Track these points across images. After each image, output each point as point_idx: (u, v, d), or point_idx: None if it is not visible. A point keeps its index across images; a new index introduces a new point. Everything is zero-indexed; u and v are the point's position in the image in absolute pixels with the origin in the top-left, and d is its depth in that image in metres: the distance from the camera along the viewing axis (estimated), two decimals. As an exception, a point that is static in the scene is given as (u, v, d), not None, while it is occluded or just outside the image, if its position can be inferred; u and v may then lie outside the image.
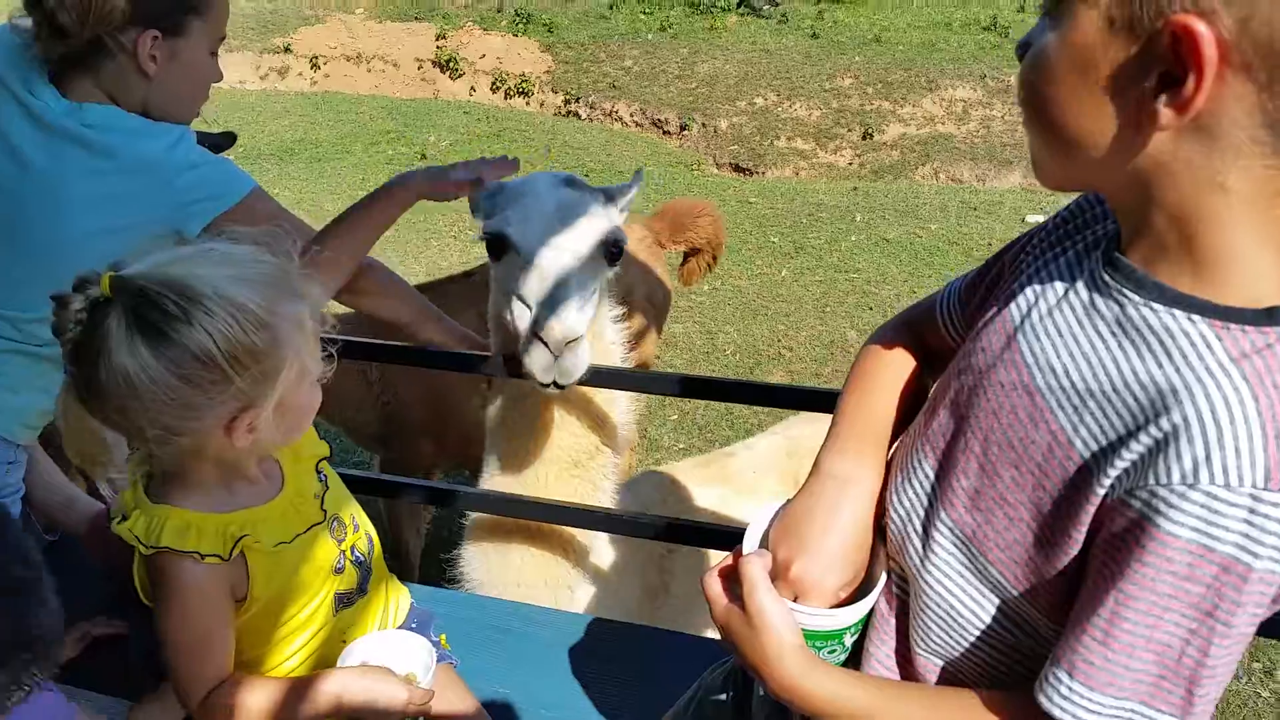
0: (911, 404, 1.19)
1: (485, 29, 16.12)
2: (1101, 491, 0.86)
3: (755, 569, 1.04)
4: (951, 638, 1.03)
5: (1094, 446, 0.87)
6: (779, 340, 6.58)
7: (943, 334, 1.23)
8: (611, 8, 16.79)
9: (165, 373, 1.22)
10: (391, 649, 1.51)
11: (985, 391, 0.98)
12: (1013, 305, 1.00)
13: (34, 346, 1.90)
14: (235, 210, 1.89)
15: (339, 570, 1.50)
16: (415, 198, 1.89)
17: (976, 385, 0.99)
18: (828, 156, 12.35)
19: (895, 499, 1.09)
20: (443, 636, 1.72)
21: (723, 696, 1.38)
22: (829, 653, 1.07)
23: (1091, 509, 0.87)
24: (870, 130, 12.46)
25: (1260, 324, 0.82)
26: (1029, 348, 0.95)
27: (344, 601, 1.53)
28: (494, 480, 2.23)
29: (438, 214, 9.25)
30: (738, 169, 12.26)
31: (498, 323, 2.10)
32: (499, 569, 2.25)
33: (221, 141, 2.53)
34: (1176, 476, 0.80)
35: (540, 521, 2.19)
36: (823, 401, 2.22)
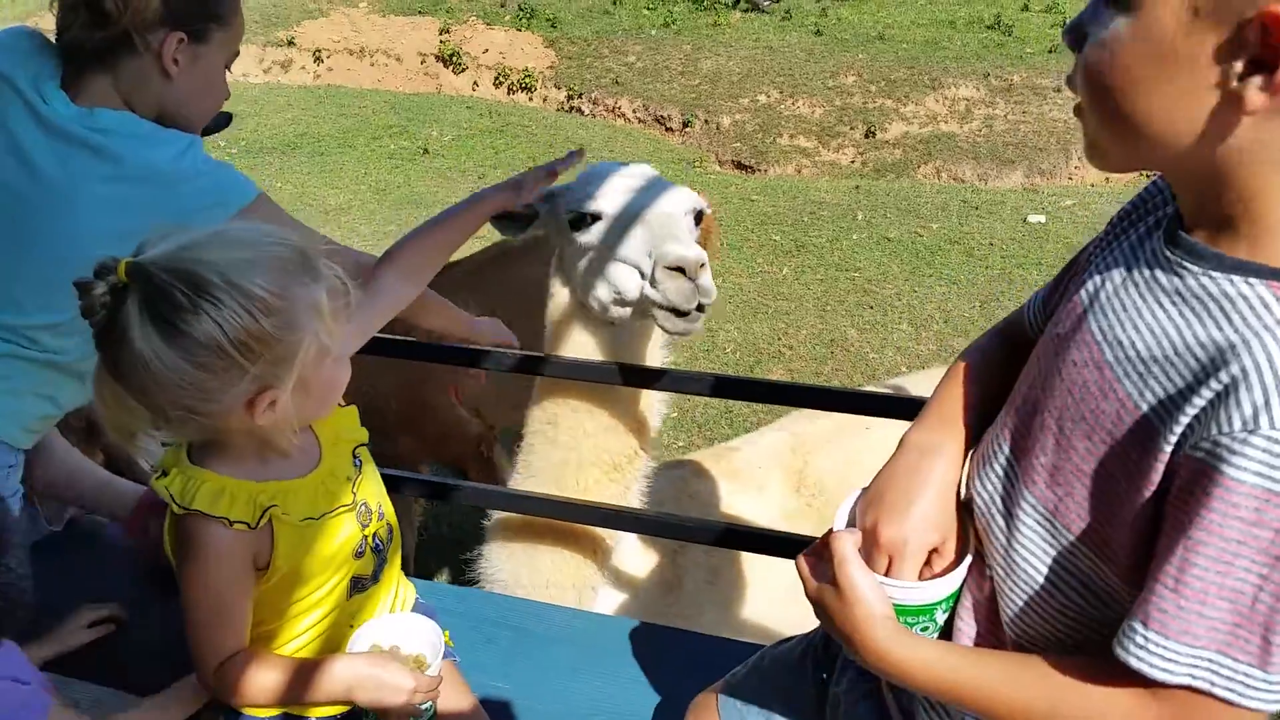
0: (999, 397, 1.23)
1: (489, 24, 16.10)
2: (1169, 448, 0.89)
3: (846, 544, 1.09)
4: (1038, 614, 1.06)
5: (1159, 408, 0.91)
6: (779, 338, 6.58)
7: (1031, 337, 1.28)
8: (615, 3, 16.78)
9: (178, 360, 1.25)
10: (402, 630, 1.54)
11: (1059, 372, 1.02)
12: (1082, 291, 1.04)
13: (36, 351, 1.92)
14: (239, 216, 1.91)
15: (359, 554, 1.53)
16: (494, 210, 1.92)
17: (1050, 368, 1.04)
18: (830, 154, 12.35)
19: (979, 483, 1.13)
20: (445, 633, 1.73)
21: (811, 674, 1.43)
22: (921, 629, 1.11)
23: (1161, 466, 0.90)
24: (873, 128, 12.44)
25: None
26: (1097, 325, 0.99)
27: (358, 586, 1.56)
28: (529, 483, 2.22)
29: (438, 209, 9.25)
30: (740, 166, 12.25)
31: (588, 304, 2.11)
32: (527, 570, 2.25)
33: (219, 121, 2.53)
34: (1238, 424, 0.83)
35: (566, 521, 2.19)
36: (830, 400, 2.23)
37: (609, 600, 2.30)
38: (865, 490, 1.19)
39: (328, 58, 15.67)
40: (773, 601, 2.41)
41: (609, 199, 2.04)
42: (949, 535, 1.15)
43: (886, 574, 1.12)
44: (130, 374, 1.28)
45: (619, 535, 2.27)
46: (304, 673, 1.44)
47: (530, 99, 14.81)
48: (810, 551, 1.16)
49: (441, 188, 9.92)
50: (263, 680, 1.43)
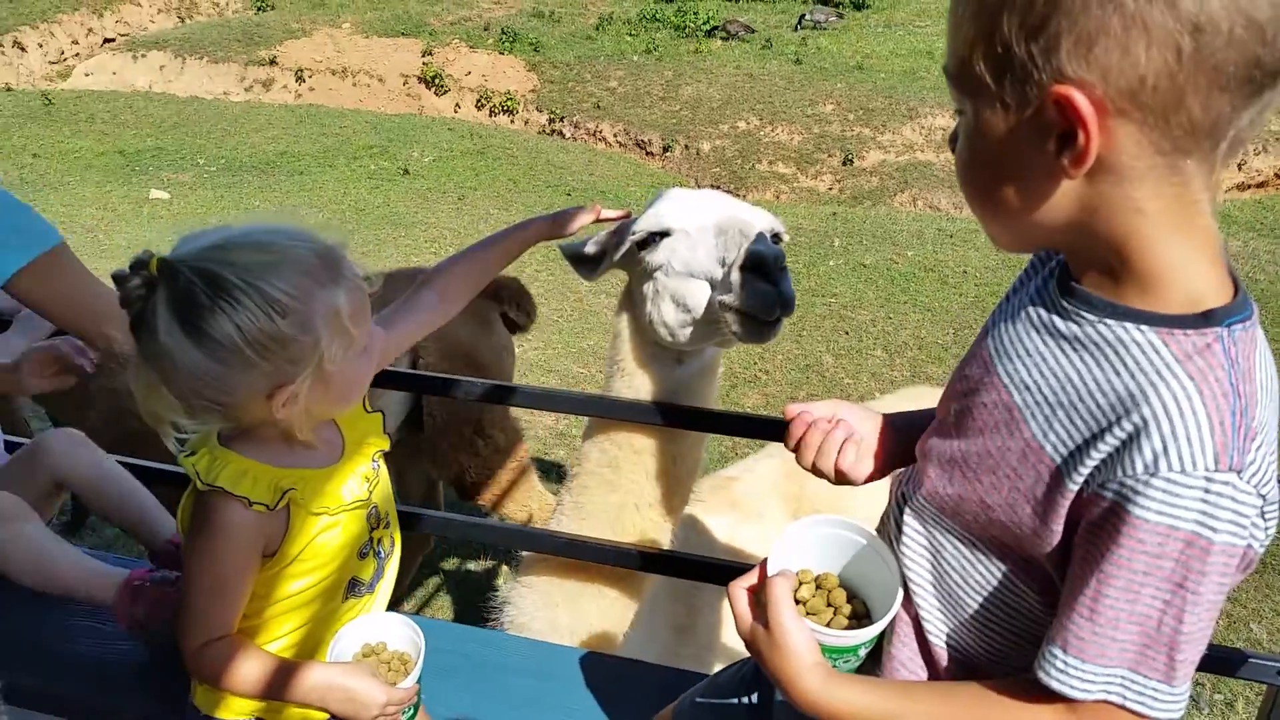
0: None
1: (472, 46, 16.19)
2: (1074, 487, 0.97)
3: (780, 589, 1.15)
4: (966, 634, 1.15)
5: (1063, 449, 0.98)
6: (755, 363, 6.61)
7: None
8: (598, 29, 16.91)
9: (198, 355, 1.31)
10: (388, 629, 1.58)
11: (970, 413, 1.10)
12: (989, 338, 1.12)
13: None
14: (38, 262, 1.94)
15: (362, 555, 1.57)
16: (536, 239, 1.93)
17: (963, 410, 1.12)
18: (808, 181, 12.46)
19: (901, 516, 1.20)
20: None
21: (742, 700, 1.51)
22: (844, 663, 1.17)
23: (1067, 503, 0.98)
24: (850, 156, 12.58)
25: (1199, 326, 0.93)
26: (1004, 370, 1.06)
27: (353, 589, 1.59)
28: (581, 525, 2.15)
29: (418, 230, 9.26)
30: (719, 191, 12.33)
31: (654, 333, 2.01)
32: (568, 614, 2.18)
33: None
34: (1140, 468, 0.91)
35: (581, 559, 2.15)
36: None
37: (626, 643, 2.24)
38: (799, 535, 1.27)
39: (309, 77, 15.70)
40: None
41: (676, 213, 1.95)
42: (869, 435, 1.29)
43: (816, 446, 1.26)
44: (157, 364, 1.34)
45: (645, 578, 2.21)
46: (282, 672, 1.47)
47: (512, 122, 14.87)
48: (744, 584, 1.21)
49: (421, 208, 9.93)
50: (241, 670, 1.45)
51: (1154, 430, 0.91)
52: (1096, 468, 0.95)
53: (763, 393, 6.28)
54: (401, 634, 1.58)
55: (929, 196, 11.65)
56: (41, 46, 16.77)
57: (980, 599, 1.12)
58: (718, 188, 12.21)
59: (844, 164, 12.54)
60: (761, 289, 1.80)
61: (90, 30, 17.53)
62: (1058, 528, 1.00)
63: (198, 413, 1.39)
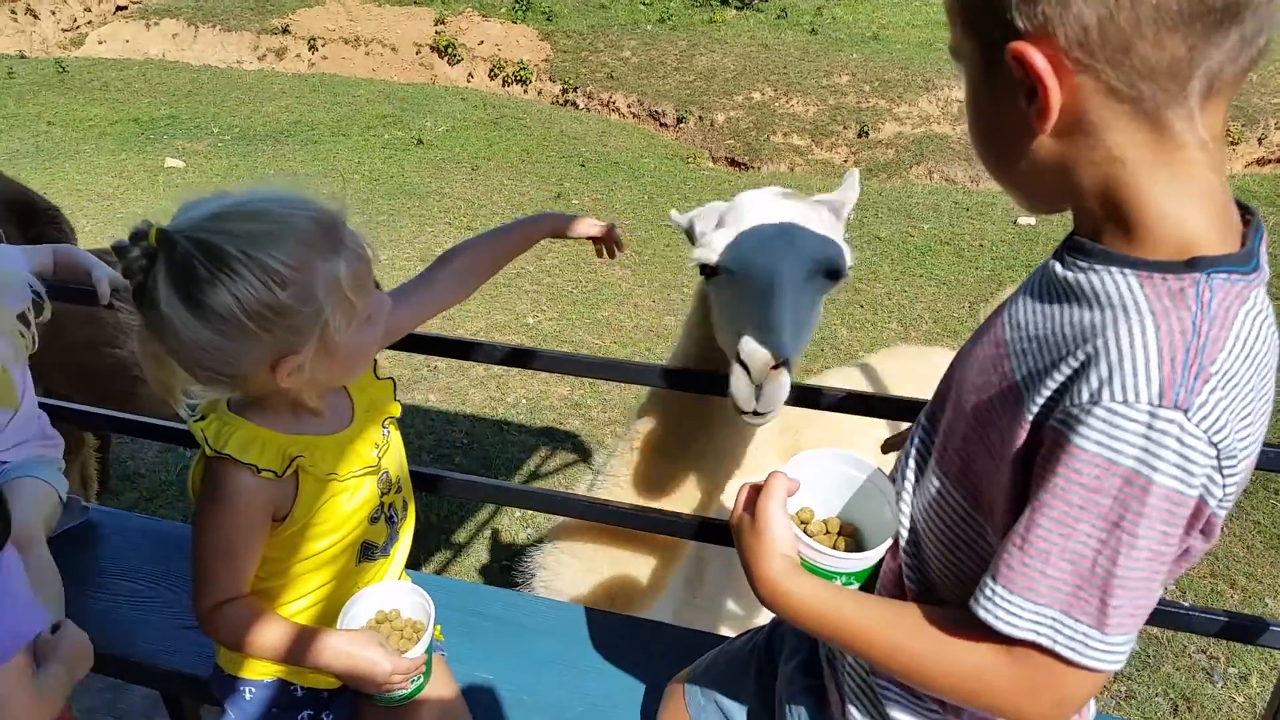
0: None
1: (484, 15, 16.08)
2: (1029, 418, 0.96)
3: (778, 482, 1.18)
4: (935, 572, 1.15)
5: (1028, 379, 0.99)
6: (769, 335, 6.61)
7: None
8: (611, -2, 16.77)
9: (199, 326, 1.31)
10: (401, 596, 1.60)
11: (975, 347, 1.12)
12: (1016, 294, 1.13)
13: None
14: None
15: (374, 519, 1.58)
16: (548, 232, 1.95)
17: (968, 350, 1.14)
18: (823, 153, 12.38)
19: (903, 458, 1.22)
20: (437, 627, 1.76)
21: (751, 668, 1.54)
22: None
23: (1023, 434, 0.97)
24: (866, 128, 12.49)
25: (1179, 272, 0.91)
26: (1009, 311, 1.08)
27: (367, 553, 1.61)
28: (623, 489, 2.17)
29: (432, 200, 9.26)
30: (733, 163, 12.27)
31: (716, 346, 1.99)
32: (594, 575, 2.21)
33: None
34: (1085, 396, 0.90)
35: (586, 520, 2.19)
36: (816, 399, 2.23)
37: (648, 603, 2.29)
38: (807, 456, 1.28)
39: (323, 46, 15.63)
40: None
41: (731, 248, 1.84)
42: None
43: None
44: (161, 334, 1.34)
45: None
46: (291, 637, 1.48)
47: (525, 92, 14.80)
48: (752, 486, 1.23)
49: (435, 178, 9.92)
50: (252, 633, 1.47)
51: (1102, 359, 0.90)
52: (1050, 398, 0.95)
53: (777, 364, 6.29)
54: (414, 602, 1.60)
55: (945, 169, 11.57)
56: (54, 14, 16.71)
57: (949, 534, 1.12)
58: (732, 159, 12.18)
59: (859, 136, 12.45)
60: (741, 385, 1.75)
61: (103, -3, 17.47)
62: (1016, 460, 0.99)
63: (204, 383, 1.40)
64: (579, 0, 16.79)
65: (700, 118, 13.03)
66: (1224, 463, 0.89)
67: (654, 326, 6.75)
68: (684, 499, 2.17)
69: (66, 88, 13.08)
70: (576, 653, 2.05)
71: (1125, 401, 0.88)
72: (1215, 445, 0.88)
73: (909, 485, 1.20)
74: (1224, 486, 0.90)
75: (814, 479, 1.25)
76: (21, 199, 4.24)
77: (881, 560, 1.21)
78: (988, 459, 1.04)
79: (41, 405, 2.34)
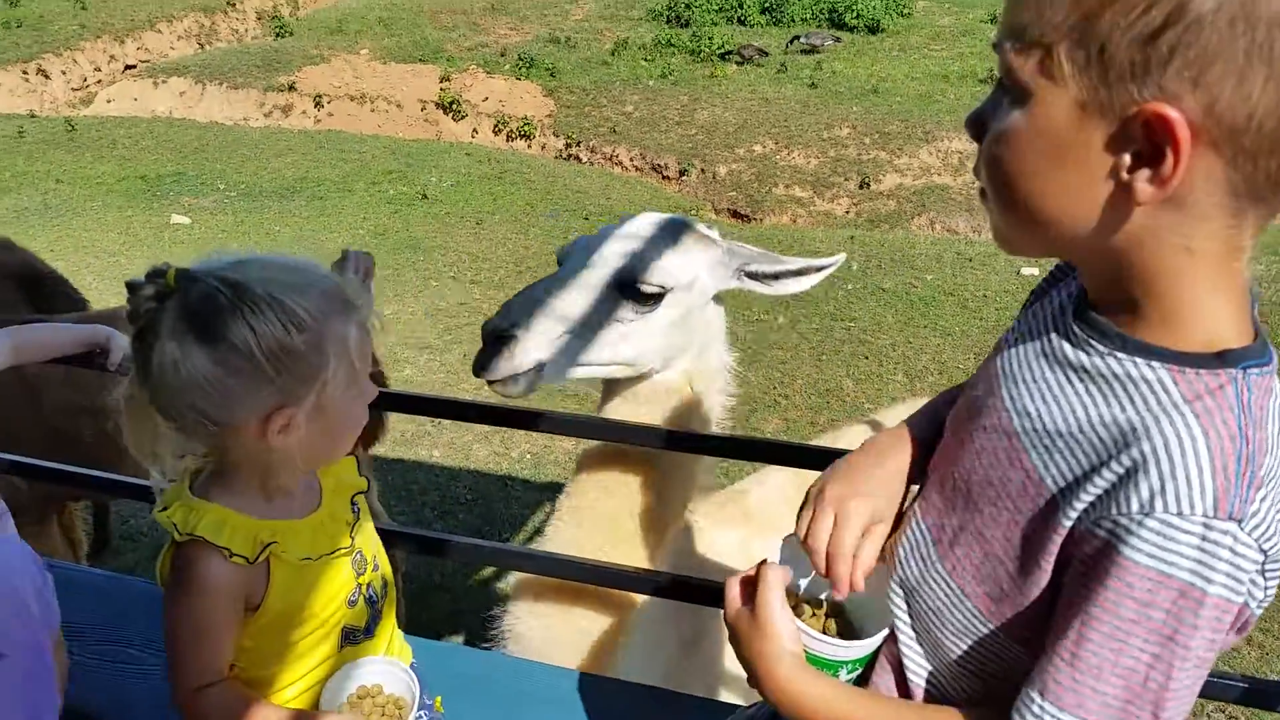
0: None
1: (489, 72, 16.31)
2: (1068, 523, 0.91)
3: (773, 574, 1.12)
4: (943, 668, 1.09)
5: (1062, 482, 0.93)
6: (775, 388, 6.59)
7: None
8: (613, 54, 17.01)
9: (207, 360, 1.28)
10: (384, 673, 1.54)
11: (972, 436, 1.05)
12: (999, 356, 1.07)
13: None
14: None
15: (352, 603, 1.53)
16: None
17: (965, 430, 1.07)
18: (825, 204, 12.46)
19: (902, 540, 1.16)
20: (438, 700, 1.71)
21: None
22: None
23: (1059, 539, 0.92)
24: (867, 179, 12.58)
25: (1213, 367, 0.88)
26: (1008, 393, 1.02)
27: (350, 638, 1.55)
28: (571, 528, 2.19)
29: (437, 254, 9.30)
30: (736, 215, 12.35)
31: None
32: (564, 630, 2.19)
33: None
34: (1135, 506, 0.86)
35: (578, 581, 2.16)
36: (816, 459, 2.21)
37: (631, 659, 2.25)
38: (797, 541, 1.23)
39: (329, 103, 15.83)
40: None
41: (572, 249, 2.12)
42: (888, 514, 1.17)
43: (832, 538, 1.15)
44: (156, 376, 1.30)
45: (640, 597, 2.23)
46: (274, 714, 1.44)
47: (529, 146, 14.95)
48: (742, 579, 1.18)
49: (440, 233, 9.98)
50: (235, 716, 1.43)
51: (1152, 468, 0.86)
52: (1092, 503, 0.90)
53: (783, 417, 6.26)
54: (396, 677, 1.54)
55: (947, 220, 11.63)
56: (65, 74, 16.97)
57: (960, 642, 1.06)
58: (735, 211, 12.26)
59: (860, 187, 12.54)
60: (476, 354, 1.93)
61: (112, 57, 17.75)
62: (1048, 565, 0.94)
63: (186, 432, 1.35)
64: (581, 57, 17.04)
65: (703, 170, 13.14)
66: (1269, 566, 0.88)
67: (658, 379, 6.72)
68: (629, 544, 2.17)
69: (75, 145, 13.23)
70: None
71: (1180, 514, 0.84)
72: (1264, 551, 0.86)
73: (911, 575, 1.13)
74: (1265, 588, 0.89)
75: (792, 557, 1.21)
76: (29, 270, 4.26)
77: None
78: (1010, 558, 0.98)
79: (15, 464, 2.19)
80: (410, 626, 1.74)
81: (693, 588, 2.19)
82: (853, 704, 1.06)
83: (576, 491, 2.22)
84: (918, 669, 1.12)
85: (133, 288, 1.32)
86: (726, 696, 2.38)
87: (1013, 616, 0.99)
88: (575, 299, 1.93)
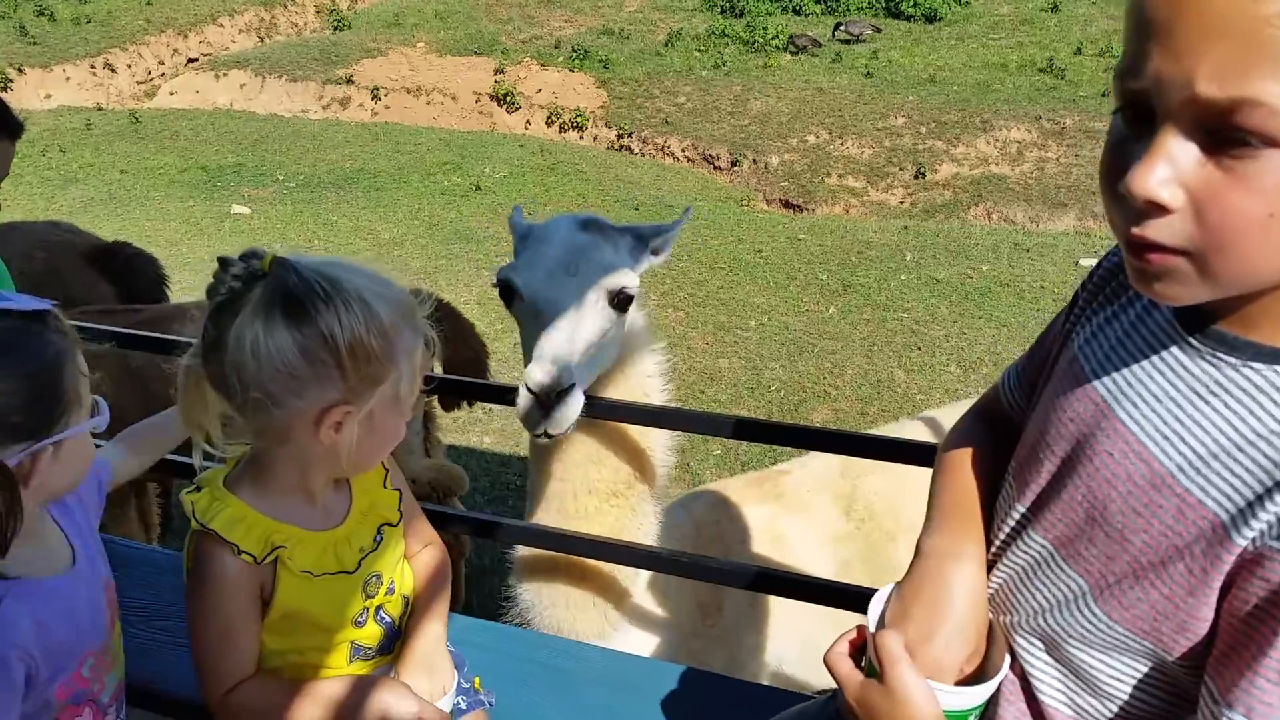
0: (995, 482, 1.21)
1: (542, 64, 16.39)
2: (1242, 543, 0.87)
3: (895, 644, 1.06)
4: (1096, 700, 1.04)
5: (1229, 505, 0.89)
6: (825, 378, 6.55)
7: (1010, 415, 1.27)
8: (666, 45, 16.99)
9: (289, 342, 1.32)
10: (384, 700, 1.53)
11: (1092, 460, 1.00)
12: (1088, 371, 1.02)
13: None
14: None
15: (359, 624, 1.55)
16: None
17: (1079, 455, 1.01)
18: (879, 195, 12.34)
19: (1008, 559, 1.11)
20: (476, 680, 1.73)
21: None
22: None
23: (1232, 559, 0.88)
24: (922, 169, 12.43)
25: None
26: (1129, 416, 0.97)
27: (360, 653, 1.57)
28: (539, 514, 2.24)
29: (489, 245, 9.38)
30: (788, 205, 12.28)
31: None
32: (563, 606, 2.25)
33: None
34: None
35: (594, 559, 2.20)
36: (868, 447, 2.20)
37: (647, 627, 2.28)
38: (895, 589, 1.16)
39: (385, 95, 16.03)
40: (815, 620, 2.38)
41: (524, 268, 2.00)
42: (980, 644, 1.13)
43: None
44: (234, 350, 1.32)
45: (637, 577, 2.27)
46: (311, 694, 1.46)
47: (581, 137, 15.00)
48: (840, 649, 1.13)
49: (493, 223, 10.06)
50: (269, 705, 1.45)
51: None
52: (1270, 522, 0.86)
53: (833, 408, 6.22)
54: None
55: (1004, 210, 11.45)
56: (130, 67, 17.40)
57: (1113, 660, 1.01)
58: (786, 201, 12.19)
59: (916, 177, 12.39)
60: (522, 403, 1.85)
61: (175, 51, 18.16)
62: (1217, 584, 0.91)
63: (247, 412, 1.36)
64: (635, 48, 17.04)
65: (754, 161, 13.08)
66: None
67: (708, 369, 6.72)
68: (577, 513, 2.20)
69: (139, 137, 13.56)
70: (631, 703, 2.02)
71: None
72: None
73: (1042, 600, 1.07)
74: None
75: (879, 605, 1.18)
76: (98, 247, 4.38)
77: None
78: (1171, 590, 0.94)
79: None
80: (463, 609, 1.75)
81: (724, 571, 2.20)
82: None
83: (532, 481, 2.26)
84: (1051, 691, 1.07)
85: (225, 264, 1.36)
86: (751, 667, 2.39)
87: (1171, 639, 0.95)
88: (589, 327, 1.94)
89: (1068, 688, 1.06)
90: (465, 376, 3.83)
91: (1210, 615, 0.91)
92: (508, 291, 2.01)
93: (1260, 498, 0.87)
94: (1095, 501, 0.99)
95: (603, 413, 2.12)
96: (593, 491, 2.16)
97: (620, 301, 1.97)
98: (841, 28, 16.89)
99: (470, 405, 4.88)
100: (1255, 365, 0.87)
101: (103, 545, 1.67)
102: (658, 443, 2.24)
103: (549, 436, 1.90)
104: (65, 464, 1.43)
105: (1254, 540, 0.87)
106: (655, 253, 2.15)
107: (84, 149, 12.98)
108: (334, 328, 1.32)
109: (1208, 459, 0.90)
